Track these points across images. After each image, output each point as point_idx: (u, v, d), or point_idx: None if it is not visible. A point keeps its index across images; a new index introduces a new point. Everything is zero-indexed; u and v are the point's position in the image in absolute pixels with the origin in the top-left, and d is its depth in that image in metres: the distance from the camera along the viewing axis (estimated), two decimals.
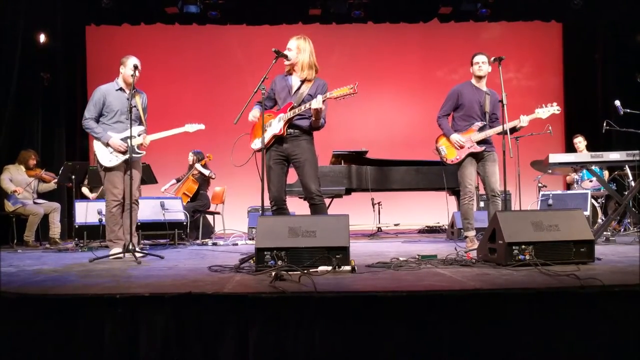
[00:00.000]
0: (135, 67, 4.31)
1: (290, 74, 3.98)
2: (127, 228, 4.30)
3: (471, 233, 4.67)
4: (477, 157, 4.71)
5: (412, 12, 8.81)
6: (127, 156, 4.38)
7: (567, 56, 9.41)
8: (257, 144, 3.94)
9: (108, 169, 4.43)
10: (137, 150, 4.49)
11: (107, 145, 4.41)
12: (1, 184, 6.51)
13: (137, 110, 4.47)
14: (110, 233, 4.42)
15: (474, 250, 3.91)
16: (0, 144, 6.98)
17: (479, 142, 4.66)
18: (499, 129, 4.58)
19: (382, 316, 2.24)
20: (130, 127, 4.24)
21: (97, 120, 4.46)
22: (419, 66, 9.61)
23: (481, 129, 4.66)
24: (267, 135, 3.88)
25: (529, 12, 8.79)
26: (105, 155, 4.42)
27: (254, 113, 3.96)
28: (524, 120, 4.60)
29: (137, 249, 4.28)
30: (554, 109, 4.64)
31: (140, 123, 4.55)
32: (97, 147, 4.46)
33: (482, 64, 4.67)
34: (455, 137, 4.70)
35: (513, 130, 4.64)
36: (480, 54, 4.72)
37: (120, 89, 4.48)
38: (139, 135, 4.48)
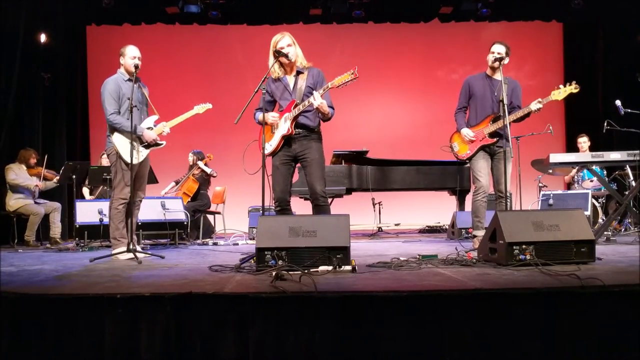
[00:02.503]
0: (135, 64, 4.30)
1: (279, 78, 3.91)
2: (128, 227, 4.29)
3: (480, 232, 4.43)
4: (491, 151, 4.53)
5: (412, 12, 8.80)
6: (149, 150, 4.41)
7: (568, 56, 9.40)
8: (266, 148, 3.85)
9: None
10: (158, 141, 4.47)
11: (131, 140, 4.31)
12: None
13: (147, 100, 4.44)
14: (115, 230, 4.34)
15: (474, 250, 3.91)
16: (2, 144, 6.99)
17: (492, 135, 4.47)
18: (510, 118, 4.25)
19: (382, 316, 2.24)
20: (132, 116, 4.13)
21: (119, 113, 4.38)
22: (420, 66, 9.61)
23: (495, 120, 4.45)
24: (276, 137, 3.87)
25: (529, 12, 8.78)
26: (128, 151, 4.26)
27: (270, 115, 3.86)
28: (535, 106, 4.29)
29: (138, 249, 4.27)
30: (571, 87, 4.32)
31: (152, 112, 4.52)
32: (119, 143, 4.34)
33: (497, 54, 4.42)
34: (464, 131, 4.56)
35: (528, 115, 4.38)
36: (498, 43, 4.47)
37: (129, 79, 4.41)
38: (155, 126, 4.45)
